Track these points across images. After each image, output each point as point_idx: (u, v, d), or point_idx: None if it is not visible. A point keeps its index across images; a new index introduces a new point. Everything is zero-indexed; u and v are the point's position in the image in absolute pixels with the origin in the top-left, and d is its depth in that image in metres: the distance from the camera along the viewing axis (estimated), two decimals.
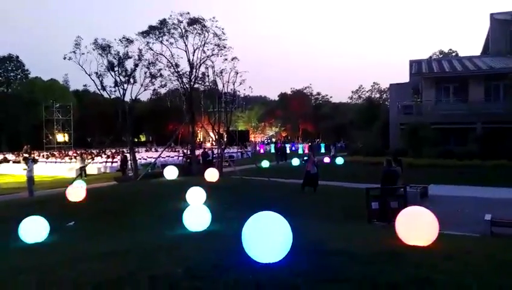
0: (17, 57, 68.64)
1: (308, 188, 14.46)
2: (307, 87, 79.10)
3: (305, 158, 17.01)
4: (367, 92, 79.56)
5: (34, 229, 7.79)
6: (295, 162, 27.41)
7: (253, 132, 75.28)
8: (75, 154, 31.42)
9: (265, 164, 25.80)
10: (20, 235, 7.68)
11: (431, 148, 25.07)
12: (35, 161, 18.79)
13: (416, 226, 5.46)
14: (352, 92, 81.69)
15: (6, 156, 33.08)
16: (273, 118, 78.06)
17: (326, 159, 29.05)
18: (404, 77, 50.98)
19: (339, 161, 27.18)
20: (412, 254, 5.04)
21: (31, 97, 56.77)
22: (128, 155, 23.69)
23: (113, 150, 31.46)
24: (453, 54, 59.48)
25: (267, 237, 4.51)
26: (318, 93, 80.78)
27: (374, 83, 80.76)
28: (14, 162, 29.69)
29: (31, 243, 7.65)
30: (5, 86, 66.71)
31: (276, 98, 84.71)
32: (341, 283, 3.97)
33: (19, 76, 68.99)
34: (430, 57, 55.21)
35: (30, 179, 16.26)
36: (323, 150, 46.67)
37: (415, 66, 31.32)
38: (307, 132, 71.77)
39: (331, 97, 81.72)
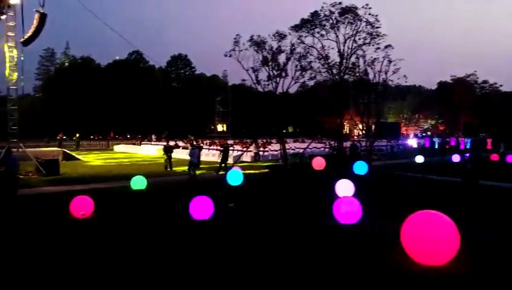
0: (186, 55, 78.84)
1: (466, 186, 12.95)
2: (471, 74, 69.76)
3: (467, 155, 15.23)
4: None
5: (202, 208, 8.88)
6: (454, 158, 24.74)
7: (405, 124, 70.49)
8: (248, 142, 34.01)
9: (419, 159, 23.98)
10: (189, 212, 8.85)
11: None
12: (200, 149, 21.23)
13: None
14: None
15: (178, 142, 38.13)
16: (429, 110, 71.54)
17: (494, 157, 25.43)
18: None
19: (510, 159, 23.49)
20: None
21: (197, 91, 64.54)
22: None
23: (264, 140, 33.40)
24: None
25: (432, 237, 4.23)
26: (484, 82, 70.57)
27: None
28: (183, 148, 34.11)
29: (199, 220, 8.75)
30: (176, 82, 77.16)
31: (433, 88, 77.31)
32: None
33: (187, 73, 78.96)
34: None
35: (193, 163, 18.35)
36: (490, 146, 40.97)
37: None
38: (469, 125, 63.69)
39: (501, 86, 70.49)
